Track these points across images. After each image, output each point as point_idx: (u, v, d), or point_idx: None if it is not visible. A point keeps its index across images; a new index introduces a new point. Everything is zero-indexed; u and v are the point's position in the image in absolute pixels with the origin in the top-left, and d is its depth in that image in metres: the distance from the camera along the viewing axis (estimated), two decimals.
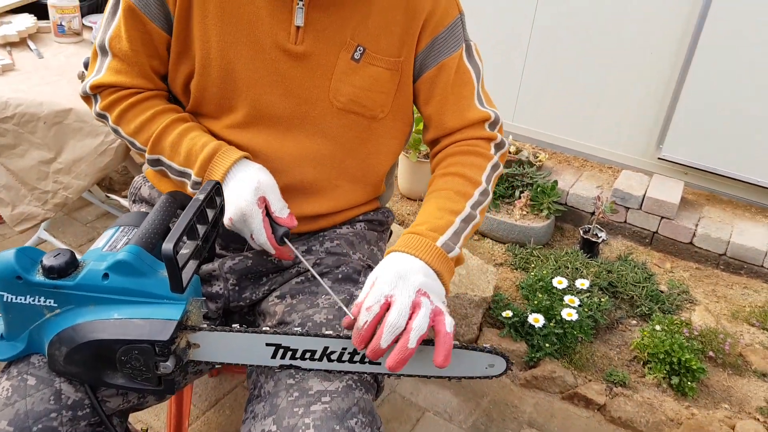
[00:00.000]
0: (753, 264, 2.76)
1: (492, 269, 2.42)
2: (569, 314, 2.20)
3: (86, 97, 1.25)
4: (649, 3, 2.97)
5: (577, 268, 2.61)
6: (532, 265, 2.70)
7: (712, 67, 2.87)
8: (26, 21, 2.26)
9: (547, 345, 2.21)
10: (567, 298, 2.29)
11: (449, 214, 1.12)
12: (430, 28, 1.21)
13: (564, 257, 2.70)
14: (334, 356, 0.98)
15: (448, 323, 0.94)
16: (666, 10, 2.94)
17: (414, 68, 1.24)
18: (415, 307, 0.94)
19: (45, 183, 1.87)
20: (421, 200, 2.37)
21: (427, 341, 0.96)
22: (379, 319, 0.93)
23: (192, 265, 0.95)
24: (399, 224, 2.96)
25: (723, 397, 2.15)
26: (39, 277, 0.92)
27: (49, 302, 0.93)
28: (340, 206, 1.28)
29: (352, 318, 0.95)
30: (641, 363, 2.27)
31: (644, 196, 2.91)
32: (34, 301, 0.93)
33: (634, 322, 2.47)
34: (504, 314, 2.27)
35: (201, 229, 0.98)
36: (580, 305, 2.28)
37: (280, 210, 1.11)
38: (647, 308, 2.49)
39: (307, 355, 0.98)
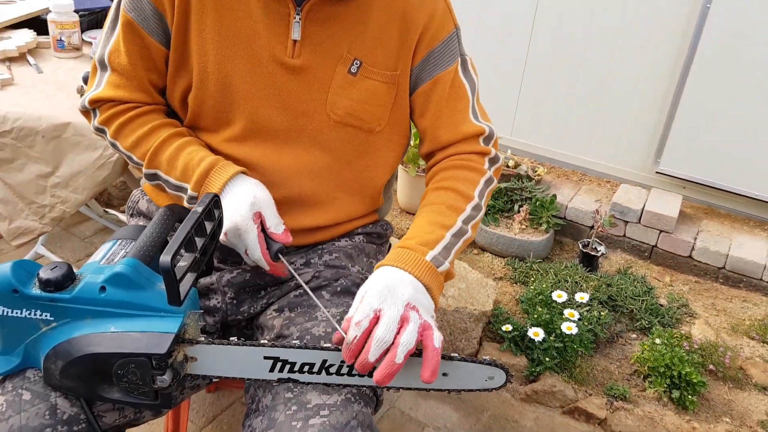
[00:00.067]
0: (752, 277, 2.76)
1: (491, 283, 2.41)
2: (569, 328, 2.19)
3: (85, 112, 1.25)
4: (645, 19, 2.99)
5: (576, 282, 2.61)
6: (532, 279, 2.69)
7: (708, 82, 2.88)
8: (26, 36, 2.27)
9: (547, 359, 2.20)
10: (567, 312, 2.28)
11: (440, 229, 1.12)
12: (426, 42, 1.21)
13: (563, 271, 2.70)
14: (332, 369, 0.97)
15: (437, 338, 0.94)
16: (662, 25, 2.96)
17: (410, 82, 1.24)
18: (403, 322, 0.94)
19: (43, 197, 1.87)
20: None
21: (418, 353, 0.95)
22: (369, 333, 0.93)
23: (190, 277, 0.95)
24: (398, 238, 2.95)
25: (724, 411, 2.14)
26: (35, 291, 0.91)
27: (46, 316, 0.93)
28: (339, 219, 1.28)
29: (343, 334, 0.94)
30: (641, 377, 2.26)
31: (643, 209, 2.90)
32: (30, 314, 0.92)
33: (634, 335, 2.46)
34: (504, 328, 2.27)
35: (199, 241, 0.98)
36: (579, 319, 2.27)
37: (276, 226, 1.10)
38: (647, 322, 2.48)
39: (306, 368, 0.97)
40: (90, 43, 2.36)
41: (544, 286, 2.49)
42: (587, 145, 3.36)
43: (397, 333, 0.92)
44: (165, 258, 0.85)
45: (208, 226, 1.01)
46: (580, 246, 2.80)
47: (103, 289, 0.92)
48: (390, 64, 1.20)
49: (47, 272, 0.91)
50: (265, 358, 0.97)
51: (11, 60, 2.16)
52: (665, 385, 2.15)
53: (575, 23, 3.17)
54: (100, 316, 0.92)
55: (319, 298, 1.19)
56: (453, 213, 1.16)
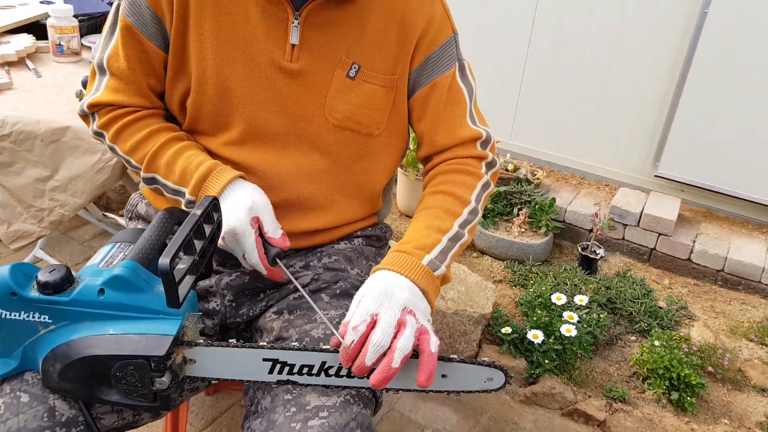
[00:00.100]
0: (750, 280, 2.76)
1: (491, 286, 2.41)
2: (568, 330, 2.19)
3: (84, 116, 1.25)
4: (644, 22, 3.00)
5: (575, 285, 2.61)
6: (531, 282, 2.69)
7: (707, 85, 2.89)
8: (25, 41, 2.27)
9: (546, 361, 2.20)
10: (566, 315, 2.28)
11: (436, 233, 1.12)
12: (424, 46, 1.21)
13: (563, 274, 2.70)
14: (332, 371, 0.97)
15: (433, 342, 0.94)
16: (661, 29, 2.97)
17: (408, 85, 1.25)
18: (400, 326, 0.94)
19: (41, 201, 1.87)
20: None
21: (416, 354, 0.96)
22: (366, 338, 0.93)
23: (189, 280, 0.95)
24: (396, 241, 2.95)
25: (723, 413, 2.14)
26: (34, 293, 0.91)
27: (44, 318, 0.92)
28: (338, 222, 1.28)
29: (340, 339, 0.95)
30: (641, 379, 2.26)
31: (642, 213, 2.91)
32: (28, 317, 0.92)
33: (633, 338, 2.47)
34: (503, 331, 2.27)
35: (198, 244, 0.97)
36: (579, 321, 2.27)
37: (273, 230, 1.10)
38: (646, 324, 2.48)
39: (305, 369, 0.97)
40: (89, 48, 2.36)
41: (543, 288, 2.49)
42: (586, 148, 3.36)
43: (394, 337, 0.92)
44: (163, 260, 0.85)
45: (207, 228, 1.01)
46: (579, 249, 2.80)
47: (101, 291, 0.92)
48: (388, 68, 1.20)
49: (45, 275, 0.91)
50: (264, 359, 0.96)
51: (10, 65, 2.16)
52: (664, 387, 2.15)
53: (575, 27, 3.18)
54: (98, 318, 0.92)
55: (318, 301, 1.19)
56: (450, 217, 1.16)
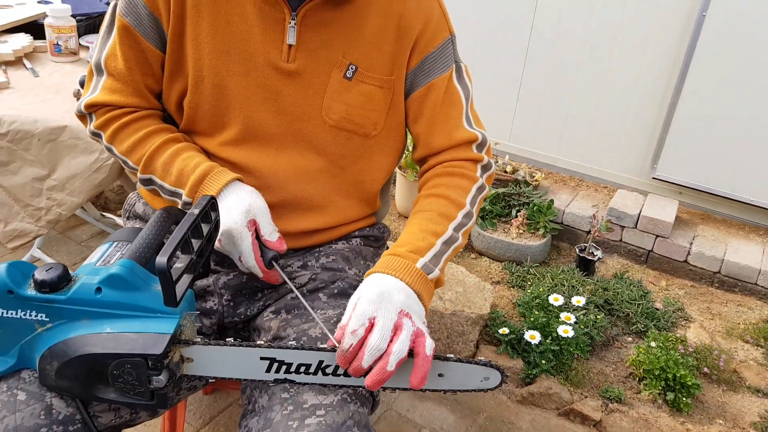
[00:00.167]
0: (747, 282, 2.76)
1: (489, 287, 2.41)
2: (565, 331, 2.20)
3: (81, 116, 1.25)
4: (642, 25, 3.01)
5: (573, 286, 2.61)
6: (529, 283, 2.70)
7: (704, 89, 2.90)
8: (22, 40, 2.27)
9: (543, 362, 2.20)
10: (563, 316, 2.28)
11: (431, 236, 1.12)
12: (421, 47, 1.21)
13: (560, 275, 2.70)
14: (329, 370, 0.98)
15: (428, 345, 0.94)
16: (659, 32, 2.97)
17: (404, 86, 1.24)
18: (396, 329, 0.94)
19: (38, 200, 1.86)
20: None
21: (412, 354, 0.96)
22: (363, 341, 0.93)
23: (186, 279, 0.95)
24: (394, 242, 2.95)
25: (718, 413, 2.14)
26: (31, 292, 0.91)
27: (41, 316, 0.92)
28: (335, 222, 1.28)
29: (336, 344, 0.95)
30: (637, 379, 2.26)
31: (639, 215, 2.91)
32: (25, 315, 0.92)
33: (630, 339, 2.47)
34: (501, 331, 2.27)
35: (195, 243, 0.98)
36: (576, 322, 2.28)
37: (270, 234, 1.10)
38: (643, 325, 2.48)
39: (302, 368, 0.97)
40: (87, 48, 2.36)
41: (540, 289, 2.49)
42: (584, 151, 3.37)
43: (390, 341, 0.93)
44: (161, 259, 0.85)
45: (205, 228, 1.01)
46: (577, 250, 2.81)
47: (98, 290, 0.92)
48: (385, 69, 1.20)
49: (42, 273, 0.91)
50: (262, 358, 0.97)
51: (8, 64, 2.16)
52: (660, 388, 2.16)
53: (573, 30, 3.19)
54: (96, 317, 0.92)
55: (315, 300, 1.19)
56: (444, 220, 1.16)
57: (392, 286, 1.00)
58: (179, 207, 1.16)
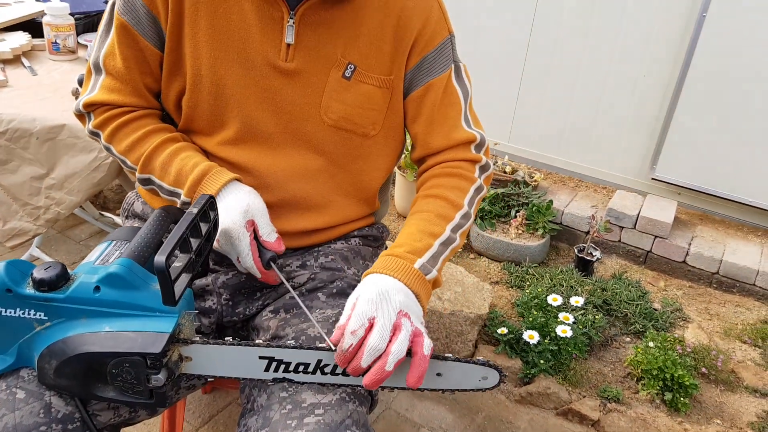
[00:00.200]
0: (745, 282, 2.77)
1: (488, 287, 2.41)
2: (564, 331, 2.20)
3: (80, 115, 1.25)
4: (642, 25, 3.01)
5: (571, 286, 2.61)
6: (528, 283, 2.70)
7: (704, 91, 2.90)
8: (20, 39, 2.26)
9: (541, 361, 2.20)
10: (562, 316, 2.29)
11: (429, 237, 1.12)
12: (420, 47, 1.21)
13: (559, 275, 2.71)
14: (327, 369, 0.98)
15: (426, 345, 0.95)
16: (659, 32, 2.98)
17: (403, 86, 1.24)
18: (395, 329, 0.94)
19: (37, 198, 1.86)
20: None
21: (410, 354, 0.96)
22: (363, 341, 0.93)
23: (185, 278, 0.95)
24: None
25: (715, 413, 2.15)
26: (29, 290, 0.91)
27: (39, 315, 0.92)
28: (334, 221, 1.28)
29: (333, 347, 0.95)
30: (635, 379, 2.27)
31: (638, 215, 2.91)
32: (24, 314, 0.92)
33: (628, 339, 2.47)
34: (499, 331, 2.27)
35: (194, 242, 0.97)
36: (574, 322, 2.28)
37: (268, 234, 1.10)
38: (641, 326, 2.49)
39: (301, 368, 0.97)
40: (85, 46, 2.35)
41: (539, 290, 2.49)
42: (584, 151, 3.38)
43: (390, 341, 0.93)
44: (159, 258, 0.85)
45: (204, 227, 1.00)
46: (576, 251, 2.81)
47: (97, 289, 0.91)
48: (384, 69, 1.20)
49: (41, 272, 0.91)
50: (260, 357, 0.97)
51: (6, 62, 2.16)
52: (658, 388, 2.16)
53: (572, 31, 3.19)
54: (94, 315, 0.92)
55: (314, 300, 1.19)
56: (442, 221, 1.16)
57: (391, 286, 1.00)
58: (178, 206, 1.16)
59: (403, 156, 2.87)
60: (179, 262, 0.94)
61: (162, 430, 1.59)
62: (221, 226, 1.07)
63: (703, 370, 2.26)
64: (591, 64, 3.19)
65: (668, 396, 2.14)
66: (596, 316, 2.39)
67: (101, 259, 1.00)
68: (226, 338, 0.97)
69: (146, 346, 0.90)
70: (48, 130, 1.81)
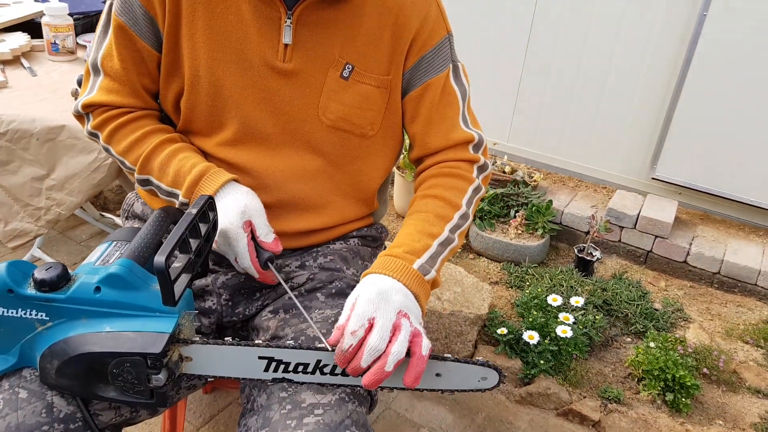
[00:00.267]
0: (746, 282, 2.76)
1: (487, 287, 2.41)
2: (564, 331, 2.20)
3: (79, 116, 1.25)
4: (642, 25, 3.01)
5: (571, 286, 2.61)
6: (527, 283, 2.70)
7: (704, 90, 2.90)
8: (19, 39, 2.27)
9: (541, 362, 2.20)
10: (562, 316, 2.29)
11: (427, 237, 1.12)
12: (418, 46, 1.21)
13: (559, 275, 2.71)
14: (327, 369, 0.98)
15: (425, 346, 0.95)
16: (659, 32, 2.98)
17: (401, 86, 1.24)
18: (395, 330, 0.95)
19: (38, 199, 1.86)
20: None
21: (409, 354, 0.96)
22: (363, 341, 0.93)
23: (184, 278, 0.95)
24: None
25: (717, 414, 2.15)
26: (30, 291, 0.92)
27: (41, 315, 0.93)
28: (333, 222, 1.28)
29: (330, 348, 0.95)
30: (636, 380, 2.27)
31: (638, 215, 2.91)
32: (25, 314, 0.92)
33: (629, 339, 2.47)
34: (499, 331, 2.27)
35: (193, 243, 0.98)
36: (574, 323, 2.28)
37: (266, 235, 1.11)
38: (642, 326, 2.49)
39: (300, 368, 0.98)
40: (85, 47, 2.36)
41: (539, 290, 2.49)
42: (584, 151, 3.38)
43: (389, 341, 0.93)
44: (159, 258, 0.86)
45: (203, 227, 1.01)
46: (576, 251, 2.81)
47: (98, 289, 0.92)
48: (382, 69, 1.20)
49: (42, 272, 0.92)
50: (260, 358, 0.97)
51: (5, 63, 2.16)
52: (659, 388, 2.16)
53: (572, 30, 3.19)
54: (95, 316, 0.93)
55: (313, 300, 1.19)
56: (440, 222, 1.16)
57: (390, 286, 1.00)
58: (176, 206, 1.16)
59: (402, 156, 2.88)
60: (179, 262, 0.94)
61: (163, 429, 1.59)
62: (219, 226, 1.07)
63: (705, 370, 2.26)
64: (591, 63, 3.19)
65: (669, 397, 2.13)
66: (596, 317, 2.39)
67: (102, 259, 1.01)
68: (225, 338, 0.98)
69: (146, 346, 0.90)
70: (48, 130, 1.82)
